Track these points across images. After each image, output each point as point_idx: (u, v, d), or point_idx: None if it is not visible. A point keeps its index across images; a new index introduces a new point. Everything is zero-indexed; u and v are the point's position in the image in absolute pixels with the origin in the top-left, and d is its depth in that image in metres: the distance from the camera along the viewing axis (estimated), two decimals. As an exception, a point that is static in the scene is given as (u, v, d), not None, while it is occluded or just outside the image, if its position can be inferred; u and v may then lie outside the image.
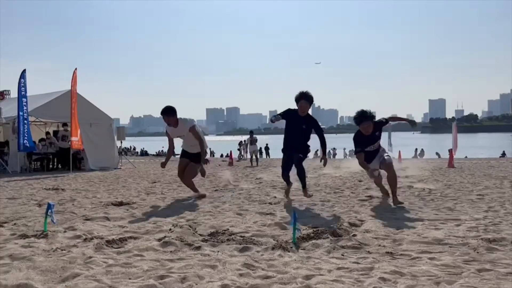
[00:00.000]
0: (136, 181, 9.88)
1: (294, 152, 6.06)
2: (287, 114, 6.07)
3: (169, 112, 6.57)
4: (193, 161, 6.77)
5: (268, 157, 30.05)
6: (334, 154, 32.98)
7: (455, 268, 2.88)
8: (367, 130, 5.72)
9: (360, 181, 9.04)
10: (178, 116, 6.63)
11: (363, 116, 5.67)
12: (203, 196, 6.84)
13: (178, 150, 7.47)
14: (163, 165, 6.91)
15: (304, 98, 5.92)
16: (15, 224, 4.53)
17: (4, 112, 14.15)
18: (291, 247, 3.43)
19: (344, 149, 33.68)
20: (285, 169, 6.32)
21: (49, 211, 4.01)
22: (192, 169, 6.83)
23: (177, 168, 7.00)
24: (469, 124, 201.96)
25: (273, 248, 3.41)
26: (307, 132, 6.01)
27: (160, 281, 2.62)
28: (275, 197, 6.67)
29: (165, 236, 3.77)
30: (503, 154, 30.90)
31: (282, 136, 6.27)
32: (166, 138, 6.89)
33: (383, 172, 5.99)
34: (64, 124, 14.63)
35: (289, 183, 6.44)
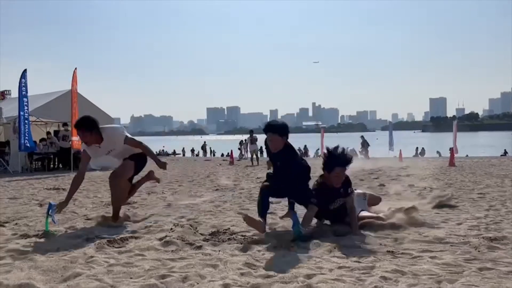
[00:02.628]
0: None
1: (291, 197, 4.22)
2: (266, 144, 4.16)
3: (85, 127, 4.28)
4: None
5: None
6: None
7: (456, 267, 2.88)
8: (338, 181, 4.05)
9: (361, 180, 9.04)
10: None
11: (343, 161, 4.05)
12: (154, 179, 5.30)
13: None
14: (61, 208, 4.33)
15: (271, 131, 3.98)
16: (16, 224, 4.54)
17: (5, 112, 14.20)
18: (292, 246, 3.42)
19: (347, 148, 33.59)
20: (268, 193, 4.06)
21: (50, 211, 4.01)
22: (128, 165, 4.58)
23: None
24: (470, 122, 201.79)
25: (274, 247, 3.41)
26: (286, 170, 3.99)
27: (162, 280, 2.62)
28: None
29: (166, 236, 3.76)
30: (505, 153, 30.89)
31: None
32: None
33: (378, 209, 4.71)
34: (65, 124, 14.65)
35: (264, 215, 3.98)
